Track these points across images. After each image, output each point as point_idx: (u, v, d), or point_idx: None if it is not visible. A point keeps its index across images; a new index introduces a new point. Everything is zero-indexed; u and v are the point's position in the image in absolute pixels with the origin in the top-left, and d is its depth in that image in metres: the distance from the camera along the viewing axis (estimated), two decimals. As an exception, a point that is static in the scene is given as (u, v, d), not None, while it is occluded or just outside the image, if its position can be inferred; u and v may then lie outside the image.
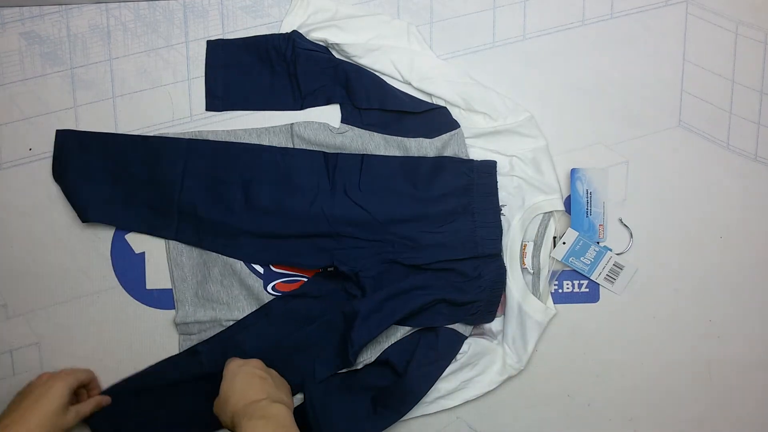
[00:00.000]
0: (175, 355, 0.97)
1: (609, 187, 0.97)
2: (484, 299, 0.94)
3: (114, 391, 0.96)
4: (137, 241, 0.98)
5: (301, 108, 0.98)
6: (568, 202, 0.97)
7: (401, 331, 0.94)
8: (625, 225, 0.98)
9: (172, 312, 0.97)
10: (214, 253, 0.96)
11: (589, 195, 0.96)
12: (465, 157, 0.95)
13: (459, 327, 0.94)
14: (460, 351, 0.95)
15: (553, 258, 0.96)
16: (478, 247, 0.94)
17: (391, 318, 0.92)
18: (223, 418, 0.83)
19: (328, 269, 0.96)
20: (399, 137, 0.96)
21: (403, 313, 0.92)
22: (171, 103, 0.98)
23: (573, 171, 0.96)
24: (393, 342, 0.94)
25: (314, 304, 0.96)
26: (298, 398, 0.97)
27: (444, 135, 0.95)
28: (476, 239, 0.94)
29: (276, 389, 0.84)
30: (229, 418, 0.81)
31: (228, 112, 0.98)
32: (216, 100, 0.99)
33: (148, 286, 0.98)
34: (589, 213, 0.96)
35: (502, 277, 0.94)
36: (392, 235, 0.93)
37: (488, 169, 0.95)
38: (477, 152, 0.96)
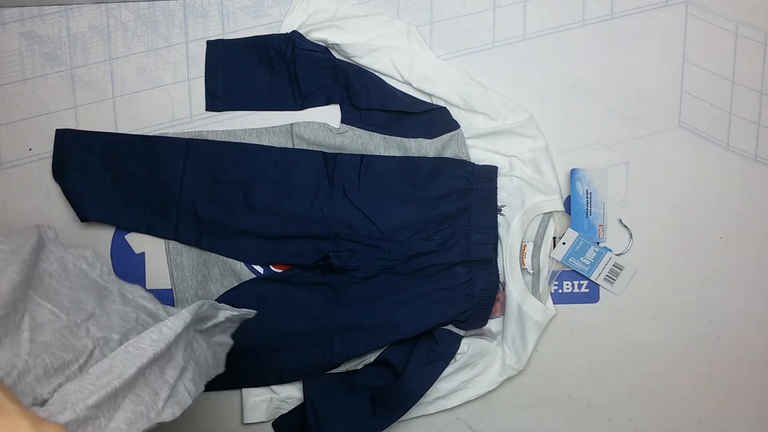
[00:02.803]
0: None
1: (609, 187, 0.97)
2: (473, 307, 0.94)
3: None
4: (137, 241, 0.98)
5: (301, 108, 0.98)
6: (567, 203, 0.97)
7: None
8: (624, 225, 0.98)
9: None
10: (213, 253, 0.96)
11: (589, 195, 0.96)
12: (465, 158, 0.95)
13: (453, 328, 0.95)
14: (460, 351, 0.95)
15: (553, 258, 0.96)
16: (471, 251, 0.94)
17: (379, 338, 0.94)
18: None
19: (319, 262, 0.96)
20: (399, 137, 0.96)
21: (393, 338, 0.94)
22: (171, 103, 0.98)
23: (573, 171, 0.96)
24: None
25: (293, 291, 0.96)
26: (297, 397, 0.97)
27: (444, 135, 0.95)
28: (470, 243, 0.94)
29: None
30: None
31: (228, 112, 0.98)
32: (216, 100, 0.99)
33: (148, 286, 0.98)
34: (589, 213, 0.96)
35: (493, 285, 0.94)
36: (388, 242, 0.93)
37: (489, 174, 0.94)
38: (477, 152, 0.96)
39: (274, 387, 0.97)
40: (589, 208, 0.96)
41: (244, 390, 0.97)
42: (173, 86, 0.99)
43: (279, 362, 0.95)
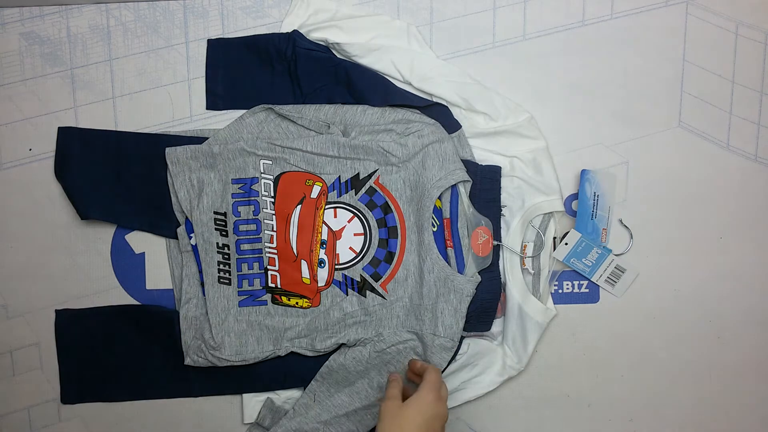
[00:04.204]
0: (152, 306, 0.98)
1: (616, 191, 0.97)
2: (475, 309, 0.93)
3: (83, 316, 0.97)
4: (137, 242, 0.98)
5: (302, 108, 0.98)
6: (567, 203, 0.97)
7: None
8: (625, 226, 0.98)
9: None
10: (214, 253, 0.96)
11: (596, 198, 0.96)
12: (469, 158, 0.95)
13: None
14: (460, 351, 0.95)
15: (554, 258, 0.96)
16: None
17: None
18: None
19: None
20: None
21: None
22: (171, 103, 0.98)
23: (583, 172, 0.96)
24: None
25: None
26: (297, 397, 0.97)
27: (445, 136, 0.95)
28: None
29: None
30: None
31: (228, 111, 0.98)
32: (216, 99, 0.98)
33: (148, 287, 0.98)
34: (594, 216, 0.96)
35: (495, 287, 0.94)
36: None
37: (492, 174, 0.94)
38: (477, 153, 0.96)
39: (274, 388, 0.97)
40: (594, 211, 0.96)
41: (244, 390, 0.97)
42: (173, 86, 0.98)
43: (282, 367, 0.94)
